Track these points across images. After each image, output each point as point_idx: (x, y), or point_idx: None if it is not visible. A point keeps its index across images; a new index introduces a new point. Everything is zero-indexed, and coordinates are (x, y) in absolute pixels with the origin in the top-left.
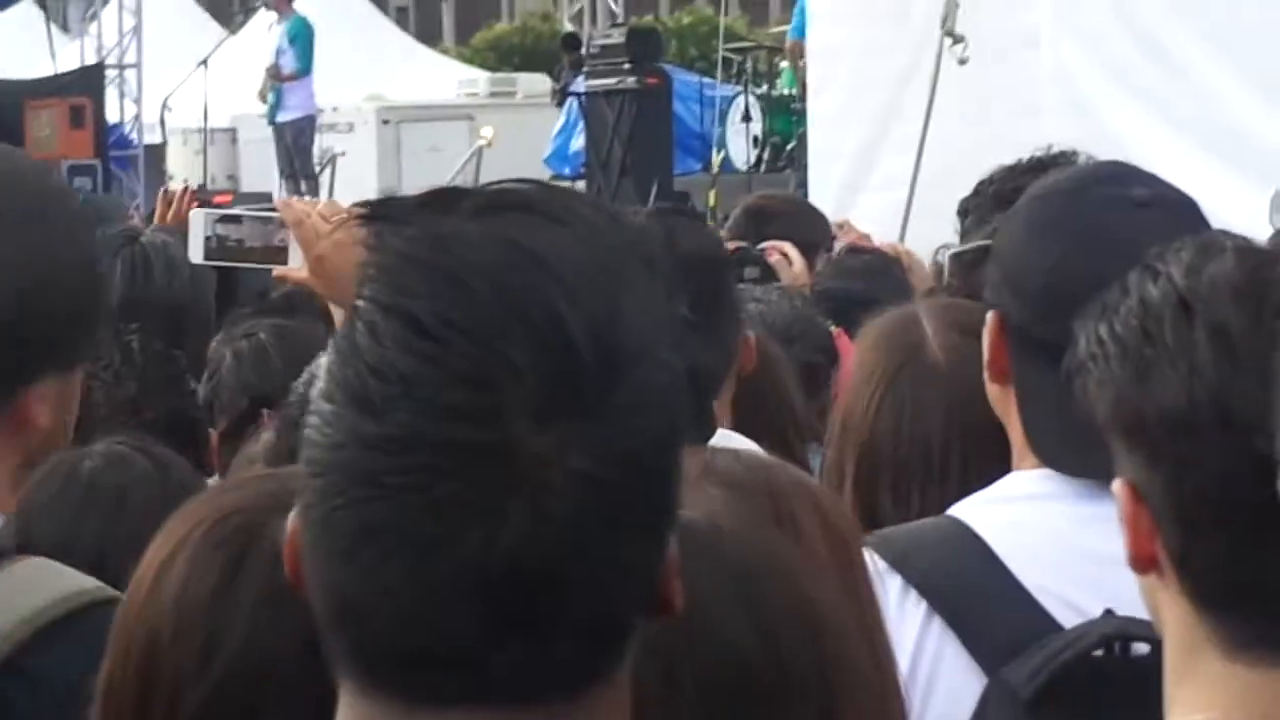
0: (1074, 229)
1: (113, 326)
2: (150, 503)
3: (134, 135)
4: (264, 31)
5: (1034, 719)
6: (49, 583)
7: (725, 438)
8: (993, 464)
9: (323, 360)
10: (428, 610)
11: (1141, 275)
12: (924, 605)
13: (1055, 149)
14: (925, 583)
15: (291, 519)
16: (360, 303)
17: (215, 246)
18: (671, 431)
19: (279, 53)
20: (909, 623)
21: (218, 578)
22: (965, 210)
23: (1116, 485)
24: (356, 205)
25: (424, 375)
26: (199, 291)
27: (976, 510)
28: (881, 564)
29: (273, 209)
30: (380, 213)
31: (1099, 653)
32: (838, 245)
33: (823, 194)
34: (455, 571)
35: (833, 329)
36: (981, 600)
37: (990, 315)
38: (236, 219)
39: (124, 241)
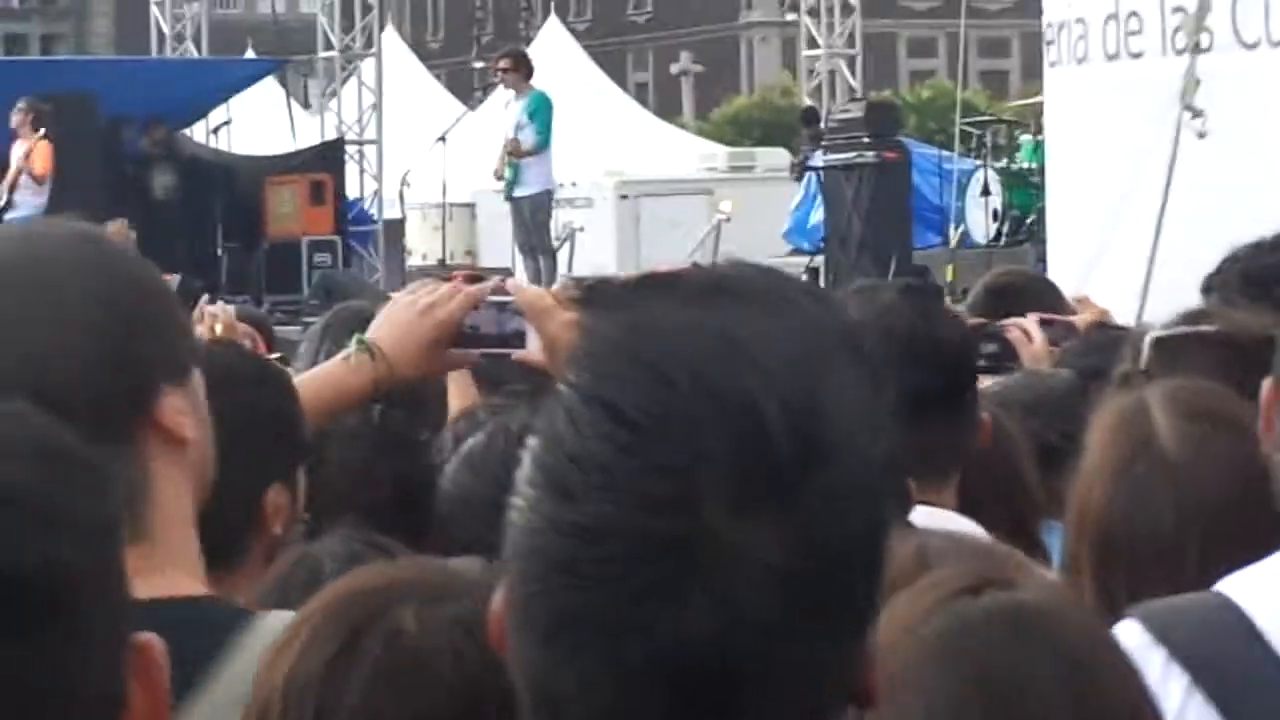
0: None
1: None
2: None
3: (373, 211)
4: (503, 107)
5: None
6: None
7: (945, 519)
8: (1234, 549)
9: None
10: (621, 700)
11: None
12: (1186, 679)
13: None
14: (1188, 656)
15: (497, 599)
16: (563, 388)
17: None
18: (870, 524)
19: (518, 128)
20: (1171, 697)
21: (330, 654)
22: (1209, 288)
23: None
24: (571, 287)
25: (620, 465)
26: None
27: (1245, 585)
28: (1145, 637)
29: (507, 294)
30: (592, 296)
31: None
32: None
33: (1063, 269)
34: (646, 662)
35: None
36: (1246, 676)
37: (1266, 383)
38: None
39: (361, 320)
